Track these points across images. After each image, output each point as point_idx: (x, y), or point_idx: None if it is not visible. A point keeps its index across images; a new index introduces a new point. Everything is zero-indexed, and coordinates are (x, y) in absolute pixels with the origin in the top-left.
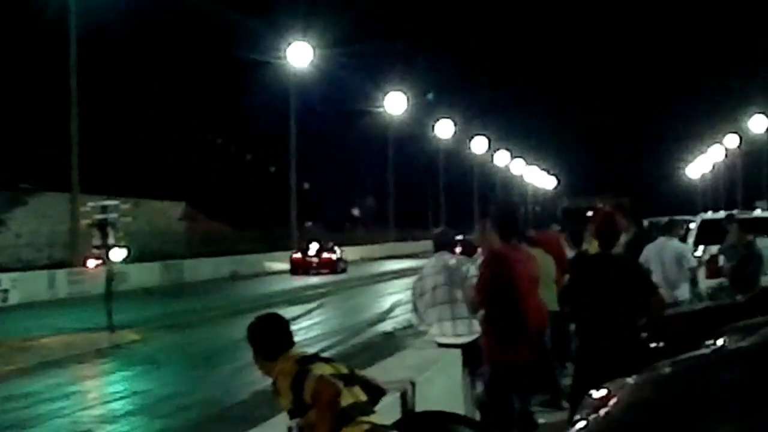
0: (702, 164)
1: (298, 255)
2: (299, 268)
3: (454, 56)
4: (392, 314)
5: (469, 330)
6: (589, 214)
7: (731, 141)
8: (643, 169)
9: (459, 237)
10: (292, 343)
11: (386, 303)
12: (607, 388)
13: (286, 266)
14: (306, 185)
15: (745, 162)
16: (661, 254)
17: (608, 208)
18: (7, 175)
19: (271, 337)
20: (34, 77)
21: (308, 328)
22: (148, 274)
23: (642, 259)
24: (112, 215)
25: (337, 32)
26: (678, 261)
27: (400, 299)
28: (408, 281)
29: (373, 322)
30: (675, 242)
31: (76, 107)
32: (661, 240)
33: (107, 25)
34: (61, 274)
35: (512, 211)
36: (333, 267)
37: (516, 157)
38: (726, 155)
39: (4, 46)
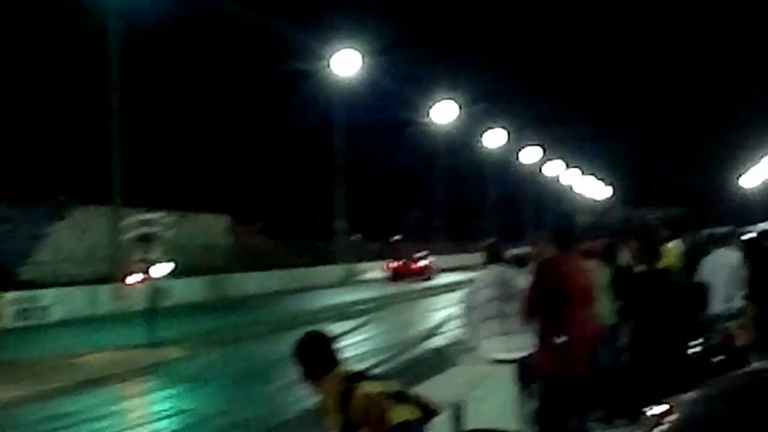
0: (757, 174)
1: (395, 264)
2: (397, 275)
3: (505, 64)
4: (443, 329)
5: (523, 345)
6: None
7: None
8: (699, 178)
9: (515, 250)
10: (338, 361)
11: (436, 317)
12: (667, 404)
13: (377, 275)
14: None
15: None
16: (718, 266)
17: (646, 221)
18: (44, 188)
19: (315, 355)
20: (73, 88)
21: (357, 345)
22: (192, 289)
23: (700, 271)
24: (156, 228)
25: (385, 40)
26: (735, 273)
27: (450, 314)
28: (458, 295)
29: (424, 337)
30: (732, 253)
31: (117, 120)
32: (719, 251)
33: (149, 34)
34: (102, 289)
35: (569, 224)
36: (424, 274)
37: (572, 167)
38: None
39: (44, 55)
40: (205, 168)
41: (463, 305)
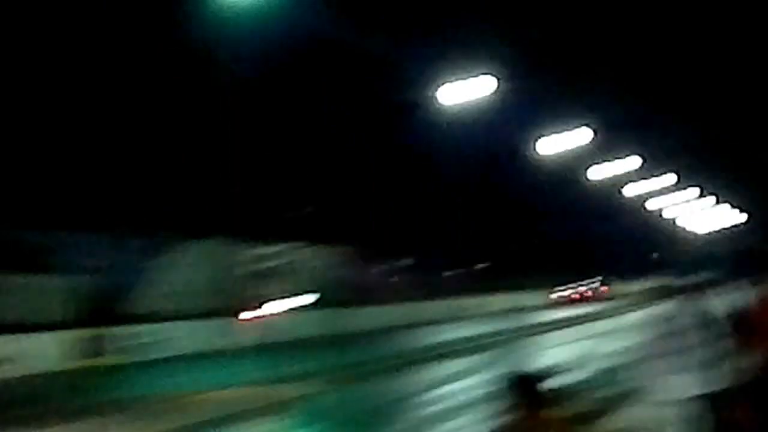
0: None
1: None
2: (573, 301)
3: (618, 92)
4: (571, 366)
5: (721, 377)
6: None
7: None
8: None
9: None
10: (545, 404)
11: (561, 354)
12: None
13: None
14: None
15: None
16: None
17: None
18: (153, 221)
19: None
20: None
21: (476, 384)
22: (306, 323)
23: None
24: (280, 263)
25: (493, 69)
26: None
27: (574, 349)
28: (576, 329)
29: (551, 374)
30: None
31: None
32: None
33: (258, 59)
34: (214, 324)
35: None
36: (601, 298)
37: (707, 195)
38: None
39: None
40: (316, 198)
41: (649, 338)
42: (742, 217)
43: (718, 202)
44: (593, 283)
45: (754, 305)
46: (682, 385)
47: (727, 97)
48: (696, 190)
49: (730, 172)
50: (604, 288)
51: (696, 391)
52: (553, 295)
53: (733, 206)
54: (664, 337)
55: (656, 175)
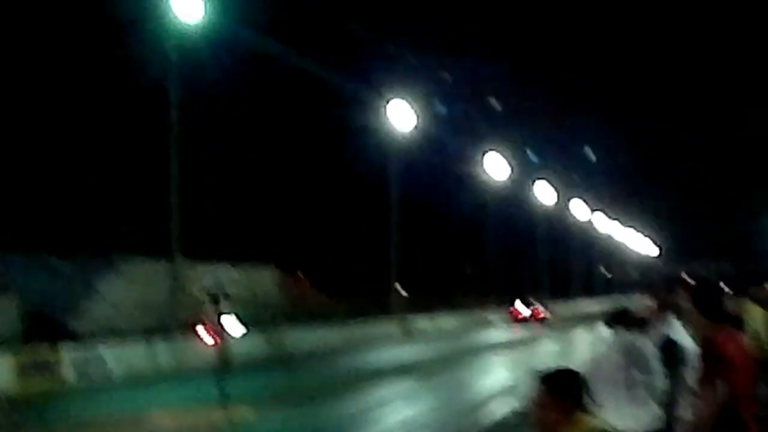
0: None
1: (516, 311)
2: (517, 319)
3: (553, 119)
4: (517, 390)
5: (652, 416)
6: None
7: None
8: (746, 233)
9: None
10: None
11: (504, 378)
12: None
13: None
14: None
15: None
16: None
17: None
18: (97, 241)
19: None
20: (130, 142)
21: (422, 409)
22: (248, 344)
23: None
24: (229, 287)
25: (439, 93)
26: None
27: (516, 373)
28: (517, 352)
29: (498, 399)
30: None
31: (177, 175)
32: None
33: (208, 89)
34: (162, 345)
35: (716, 288)
36: (541, 322)
37: (614, 219)
38: None
39: (102, 109)
40: (255, 219)
41: (585, 372)
42: (653, 247)
43: (626, 228)
44: (539, 303)
45: (718, 336)
46: (634, 417)
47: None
48: (605, 217)
49: (637, 203)
50: (549, 309)
51: (652, 426)
52: (501, 315)
53: (644, 236)
54: (616, 365)
55: (570, 199)
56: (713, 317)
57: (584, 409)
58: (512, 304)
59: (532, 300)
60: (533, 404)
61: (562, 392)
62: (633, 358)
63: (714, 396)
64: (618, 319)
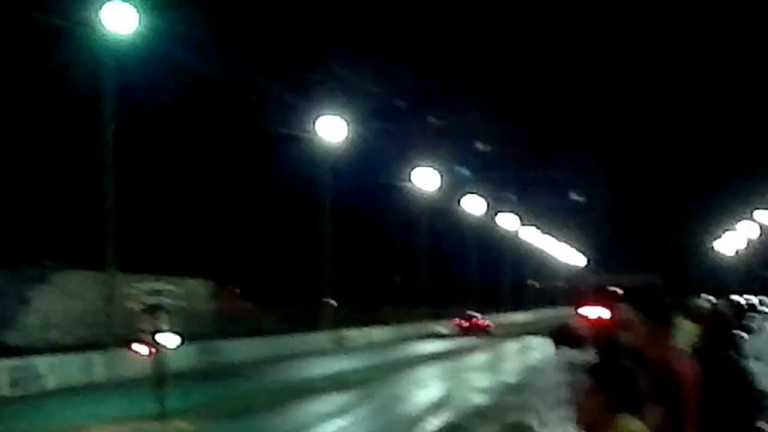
0: (734, 239)
1: (463, 322)
2: (463, 331)
3: (487, 132)
4: (450, 402)
5: None
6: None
7: (762, 216)
8: (673, 245)
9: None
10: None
11: (437, 389)
12: None
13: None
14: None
15: None
16: None
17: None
18: (30, 252)
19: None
20: (64, 153)
21: (357, 421)
22: (183, 356)
23: (755, 349)
24: (166, 299)
25: (369, 106)
26: None
27: (450, 384)
28: (449, 363)
29: (432, 411)
30: None
31: (113, 187)
32: None
33: (141, 101)
34: (97, 357)
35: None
36: (485, 330)
37: (545, 233)
38: (761, 230)
39: (37, 119)
40: (188, 231)
41: (531, 389)
42: (581, 257)
43: (557, 241)
44: (476, 314)
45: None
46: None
47: (563, 146)
48: (535, 230)
49: (564, 216)
50: (485, 319)
51: None
52: (442, 327)
53: (570, 246)
54: (558, 382)
55: (498, 212)
56: (660, 318)
57: (630, 409)
58: (443, 316)
59: (476, 312)
60: (578, 397)
61: (608, 387)
62: (578, 377)
63: (660, 416)
64: (562, 338)
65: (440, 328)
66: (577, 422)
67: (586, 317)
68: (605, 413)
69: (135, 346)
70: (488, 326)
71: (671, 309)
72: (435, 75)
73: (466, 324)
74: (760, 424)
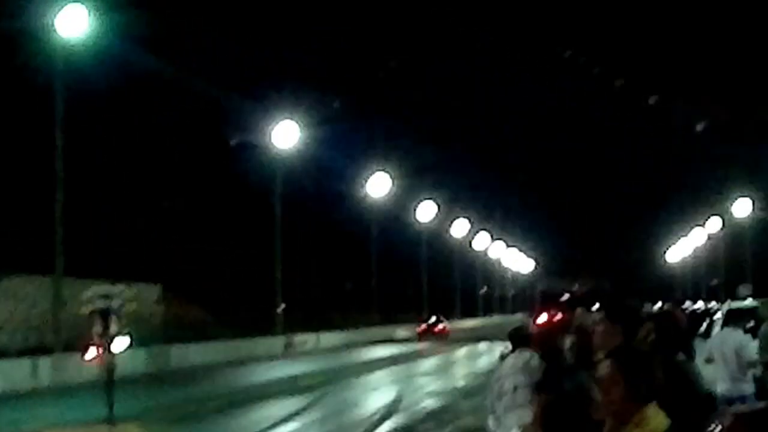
0: (683, 247)
1: (424, 327)
2: (423, 335)
3: (438, 138)
4: (402, 406)
5: None
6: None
7: (714, 224)
8: (623, 252)
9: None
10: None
11: (389, 394)
12: None
13: (407, 334)
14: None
15: (728, 245)
16: (723, 346)
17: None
18: None
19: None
20: (13, 156)
21: (309, 426)
22: (133, 361)
23: (705, 351)
24: (115, 304)
25: (322, 113)
26: (739, 353)
27: (402, 389)
28: (400, 368)
29: (384, 415)
30: (737, 334)
31: (62, 192)
32: (725, 331)
33: (93, 104)
34: (44, 361)
35: (637, 309)
36: (445, 335)
37: (496, 239)
38: (709, 238)
39: None
40: (138, 236)
41: (489, 391)
42: (531, 263)
43: (508, 247)
44: (438, 318)
45: None
46: None
47: (515, 150)
48: (486, 236)
49: (515, 221)
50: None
51: None
52: (383, 332)
53: (519, 251)
54: (515, 383)
55: (453, 220)
56: (617, 320)
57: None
58: (395, 321)
59: (439, 317)
60: (602, 386)
61: (634, 372)
62: (534, 377)
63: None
64: (519, 339)
65: (403, 332)
66: (603, 412)
67: (536, 321)
68: (629, 402)
69: (84, 351)
70: (448, 331)
71: (632, 311)
72: (390, 81)
73: (427, 329)
74: (708, 426)
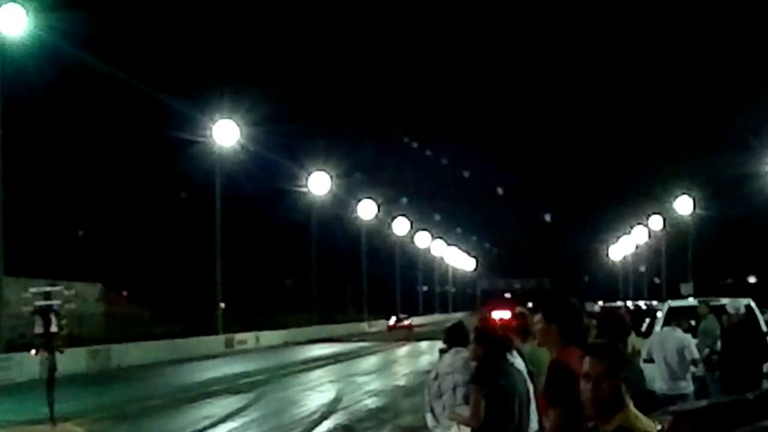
0: (625, 246)
1: (392, 322)
2: (391, 330)
3: (377, 137)
4: (342, 405)
5: None
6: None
7: (655, 223)
8: (565, 250)
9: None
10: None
11: (329, 393)
12: None
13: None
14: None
15: (670, 243)
16: (663, 345)
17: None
18: None
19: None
20: None
21: (249, 424)
22: (73, 360)
23: (645, 350)
24: (56, 302)
25: (263, 112)
26: (680, 352)
27: (342, 388)
28: (340, 367)
29: (324, 414)
30: (678, 333)
31: (1, 191)
32: (666, 330)
33: (31, 100)
34: None
35: (576, 308)
36: (410, 330)
37: (436, 238)
38: (650, 236)
39: None
40: (78, 235)
41: (426, 390)
42: (472, 262)
43: (447, 245)
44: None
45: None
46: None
47: (457, 149)
48: (426, 234)
49: (456, 220)
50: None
51: None
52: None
53: (461, 250)
54: (455, 382)
55: (394, 218)
56: (555, 319)
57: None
58: (334, 320)
59: (401, 314)
60: (586, 380)
61: (618, 366)
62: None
63: (558, 416)
64: (456, 338)
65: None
66: (588, 409)
67: (491, 317)
68: (616, 397)
69: (24, 350)
70: (412, 326)
71: (569, 311)
72: (333, 82)
73: (396, 323)
74: None
